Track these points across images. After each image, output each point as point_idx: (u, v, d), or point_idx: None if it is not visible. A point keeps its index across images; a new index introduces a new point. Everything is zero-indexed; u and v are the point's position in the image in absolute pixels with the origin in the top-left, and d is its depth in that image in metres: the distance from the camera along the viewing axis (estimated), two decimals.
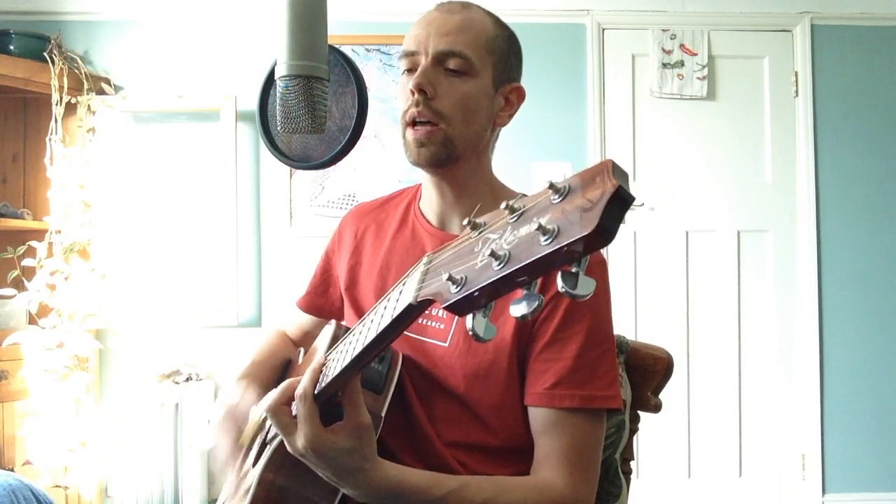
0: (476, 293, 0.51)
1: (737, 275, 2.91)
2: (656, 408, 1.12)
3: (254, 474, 0.87)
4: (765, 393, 2.90)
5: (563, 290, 0.47)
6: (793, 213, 2.92)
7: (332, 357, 0.79)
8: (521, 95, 1.05)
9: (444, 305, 0.54)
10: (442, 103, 0.95)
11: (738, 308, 2.91)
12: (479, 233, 0.55)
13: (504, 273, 0.48)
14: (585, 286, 0.48)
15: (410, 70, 0.98)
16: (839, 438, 2.88)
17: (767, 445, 2.89)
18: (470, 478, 0.88)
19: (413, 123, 0.97)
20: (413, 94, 0.95)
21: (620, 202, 0.44)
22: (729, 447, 2.88)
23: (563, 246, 0.45)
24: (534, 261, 0.47)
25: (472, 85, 0.97)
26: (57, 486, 2.46)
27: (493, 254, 0.49)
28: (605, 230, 0.43)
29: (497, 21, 1.02)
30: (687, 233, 2.91)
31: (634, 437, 1.15)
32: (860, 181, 2.92)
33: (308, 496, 0.85)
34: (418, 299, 0.59)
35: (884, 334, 2.90)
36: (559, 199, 0.48)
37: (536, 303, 0.50)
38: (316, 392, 0.77)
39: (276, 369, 1.16)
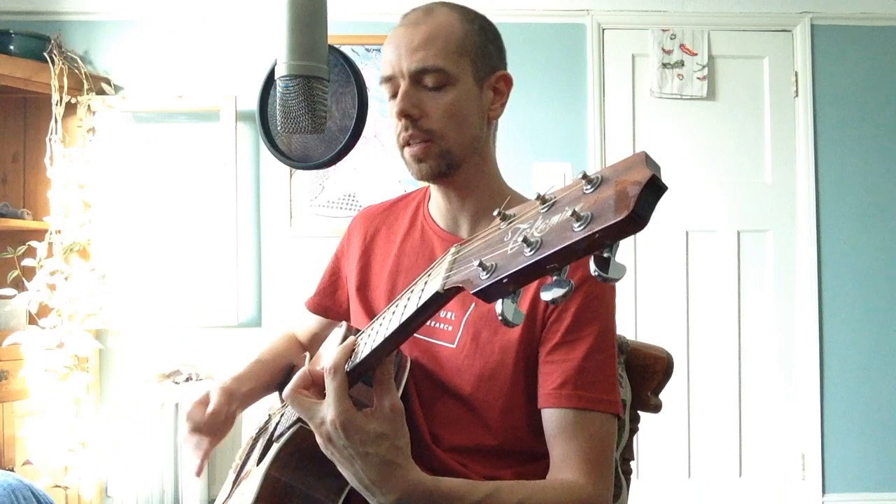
0: (506, 279, 0.52)
1: (737, 275, 2.91)
2: (656, 408, 1.12)
3: (258, 472, 0.87)
4: (765, 393, 2.90)
5: (596, 273, 0.49)
6: (793, 213, 2.92)
7: (359, 340, 0.79)
8: (508, 82, 1.03)
9: (473, 291, 0.55)
10: (430, 121, 0.96)
11: (738, 308, 2.91)
12: (509, 223, 0.56)
13: (536, 258, 0.50)
14: (617, 270, 0.49)
15: (394, 94, 0.99)
16: (839, 438, 2.88)
17: (767, 445, 2.89)
18: (502, 482, 0.88)
19: (408, 143, 0.97)
20: (400, 119, 0.96)
21: (655, 189, 0.45)
22: (729, 447, 2.88)
23: (597, 231, 0.46)
24: (566, 246, 0.48)
25: (455, 93, 0.96)
26: (57, 486, 2.46)
27: (525, 240, 0.51)
28: (639, 216, 0.45)
29: (464, 15, 1.00)
30: (687, 233, 2.91)
31: (634, 437, 1.15)
32: (860, 181, 2.92)
33: (313, 495, 0.85)
34: (446, 287, 0.60)
35: (884, 334, 2.90)
36: (592, 190, 0.49)
37: (566, 288, 0.51)
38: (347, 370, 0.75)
39: (278, 371, 1.16)
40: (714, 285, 2.90)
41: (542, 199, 0.53)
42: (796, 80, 2.93)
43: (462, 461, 0.94)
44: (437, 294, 0.62)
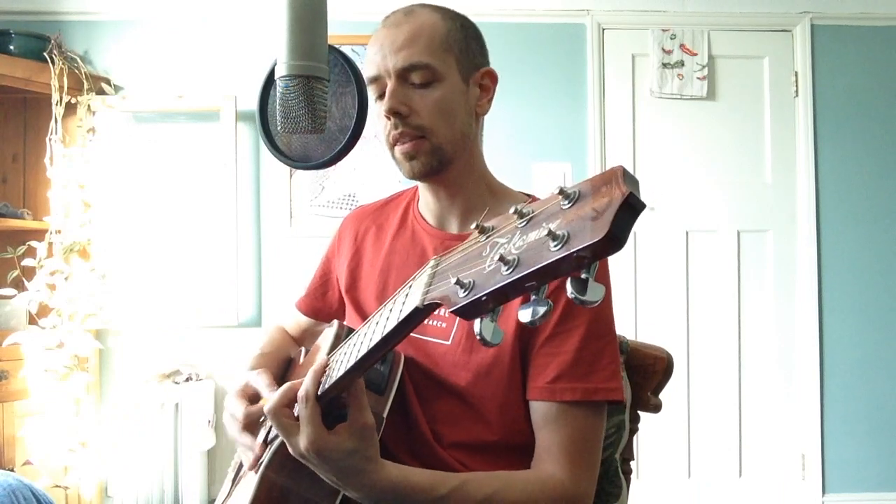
0: (484, 297, 0.51)
1: (737, 275, 2.91)
2: (656, 408, 1.12)
3: (254, 474, 0.87)
4: (765, 393, 2.90)
5: (573, 295, 0.47)
6: (793, 213, 2.92)
7: (336, 358, 0.79)
8: (493, 78, 1.04)
9: (451, 309, 0.54)
10: (420, 118, 0.96)
11: (738, 308, 2.90)
12: (487, 237, 0.55)
13: (513, 278, 0.48)
14: (595, 292, 0.47)
15: (381, 95, 0.98)
16: (839, 438, 2.88)
17: (767, 445, 2.89)
18: (472, 474, 0.88)
19: (397, 141, 0.97)
20: (389, 118, 0.96)
21: (631, 210, 0.44)
22: (729, 447, 2.88)
23: (573, 252, 0.45)
24: (543, 266, 0.47)
25: (443, 89, 0.97)
26: (57, 486, 2.46)
27: (501, 258, 0.50)
28: (616, 237, 0.43)
29: (445, 14, 1.00)
30: (687, 233, 2.91)
31: (634, 437, 1.14)
32: (860, 181, 2.92)
33: (309, 497, 0.85)
34: (425, 302, 0.59)
35: (884, 334, 2.90)
36: (569, 205, 0.48)
37: (545, 308, 0.50)
38: (319, 393, 0.77)
39: (281, 363, 1.17)
40: (714, 285, 2.90)
41: (519, 214, 0.52)
42: (796, 80, 2.93)
43: (463, 459, 0.94)
44: (416, 309, 0.61)
